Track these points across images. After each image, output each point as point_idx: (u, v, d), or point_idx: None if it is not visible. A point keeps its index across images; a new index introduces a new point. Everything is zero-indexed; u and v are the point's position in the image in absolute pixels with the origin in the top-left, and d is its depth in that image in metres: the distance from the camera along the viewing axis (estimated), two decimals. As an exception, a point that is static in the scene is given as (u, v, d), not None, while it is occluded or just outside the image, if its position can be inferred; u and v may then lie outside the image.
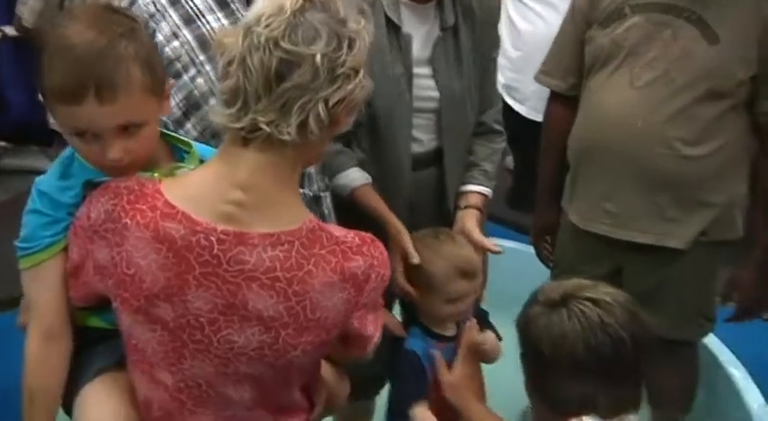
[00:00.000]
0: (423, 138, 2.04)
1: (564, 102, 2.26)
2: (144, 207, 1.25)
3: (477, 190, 2.11)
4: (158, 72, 1.30)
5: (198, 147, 1.44)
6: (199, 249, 1.24)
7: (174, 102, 1.68)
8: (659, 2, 2.00)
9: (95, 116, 1.24)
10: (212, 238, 1.24)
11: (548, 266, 2.49)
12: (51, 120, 3.64)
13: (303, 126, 1.21)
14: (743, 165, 2.10)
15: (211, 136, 1.66)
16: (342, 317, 1.31)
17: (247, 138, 1.23)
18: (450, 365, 1.89)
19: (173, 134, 1.47)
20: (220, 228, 1.24)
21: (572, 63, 2.20)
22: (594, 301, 1.39)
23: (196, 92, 1.72)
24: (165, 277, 1.25)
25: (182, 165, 1.40)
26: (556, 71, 2.27)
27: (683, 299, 2.17)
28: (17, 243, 1.35)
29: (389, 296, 1.93)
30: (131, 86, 1.24)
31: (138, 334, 1.30)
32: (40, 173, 1.39)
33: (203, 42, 1.72)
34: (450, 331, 1.94)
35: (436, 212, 2.12)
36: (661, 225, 2.07)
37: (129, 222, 1.25)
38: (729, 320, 2.26)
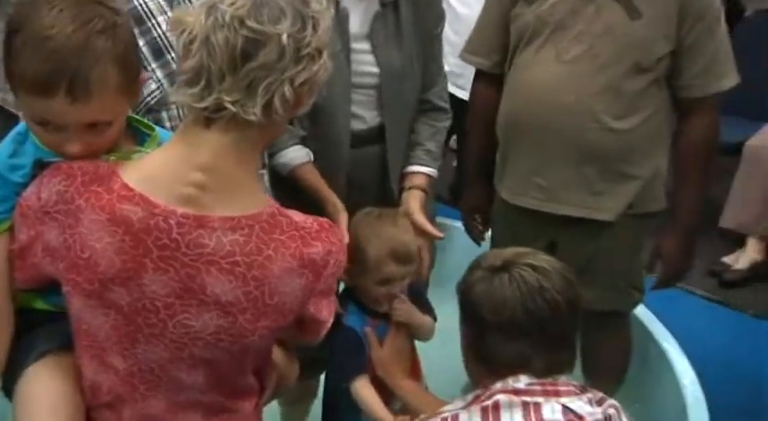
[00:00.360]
0: (364, 114, 2.04)
1: (489, 80, 2.30)
2: (99, 189, 1.22)
3: (421, 171, 2.12)
4: (133, 71, 1.27)
5: (161, 132, 1.41)
6: (157, 232, 1.22)
7: None
8: None
9: (64, 113, 1.21)
10: (171, 221, 1.21)
11: (478, 244, 2.54)
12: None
13: (268, 106, 1.20)
14: (665, 138, 2.17)
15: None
16: (299, 302, 1.31)
17: (210, 118, 1.21)
18: (381, 342, 1.92)
19: (136, 117, 1.43)
20: (180, 210, 1.22)
21: (496, 41, 2.22)
22: (534, 267, 1.44)
23: (150, 99, 1.71)
24: (120, 260, 1.22)
25: (140, 149, 1.36)
26: (480, 49, 2.29)
27: (614, 270, 2.24)
28: None
29: None
30: (105, 87, 1.21)
31: (90, 318, 1.28)
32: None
33: (156, 49, 1.71)
34: (384, 308, 1.95)
35: (378, 191, 2.12)
36: (590, 198, 2.13)
37: (83, 204, 1.22)
38: (654, 288, 2.33)
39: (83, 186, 1.23)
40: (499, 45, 2.22)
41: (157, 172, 1.24)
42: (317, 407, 2.32)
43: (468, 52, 2.34)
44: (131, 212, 1.21)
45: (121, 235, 1.21)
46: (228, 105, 1.19)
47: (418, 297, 2.04)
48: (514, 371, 1.40)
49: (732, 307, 3.50)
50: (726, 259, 3.72)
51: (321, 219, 1.35)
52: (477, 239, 2.55)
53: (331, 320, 1.42)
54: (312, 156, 1.98)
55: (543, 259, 1.48)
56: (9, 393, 1.38)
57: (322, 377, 2.21)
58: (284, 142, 1.96)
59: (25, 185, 1.30)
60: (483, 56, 2.29)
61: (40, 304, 1.39)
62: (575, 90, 2.05)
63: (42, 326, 1.38)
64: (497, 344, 1.41)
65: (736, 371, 3.01)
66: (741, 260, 3.67)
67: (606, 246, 2.19)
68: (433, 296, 2.14)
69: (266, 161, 1.95)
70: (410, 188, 2.10)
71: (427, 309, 2.05)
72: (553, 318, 1.41)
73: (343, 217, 1.90)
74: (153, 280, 1.23)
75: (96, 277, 1.23)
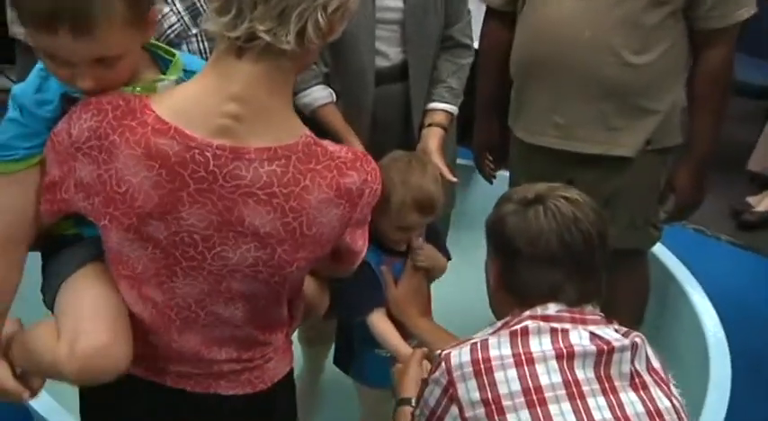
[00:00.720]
0: (388, 51, 2.03)
1: (500, 18, 2.27)
2: (133, 123, 1.20)
3: (442, 108, 2.10)
4: (141, 4, 1.22)
5: (182, 57, 1.38)
6: (194, 165, 1.20)
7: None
8: None
9: (68, 48, 1.18)
10: (207, 154, 1.20)
11: (489, 182, 2.55)
12: (13, 31, 3.50)
13: (301, 34, 1.17)
14: (682, 71, 2.14)
15: None
16: (336, 233, 1.30)
17: (243, 48, 1.18)
18: (397, 281, 1.93)
19: (157, 43, 1.40)
20: (216, 142, 1.20)
21: None
22: (567, 199, 1.44)
23: (170, 32, 1.72)
24: (158, 195, 1.21)
25: (163, 77, 1.33)
26: None
27: (633, 207, 2.23)
28: None
29: None
30: (110, 21, 1.17)
31: (128, 251, 1.27)
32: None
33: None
34: (401, 247, 1.96)
35: (401, 130, 2.11)
36: (608, 134, 2.12)
37: (117, 139, 1.20)
38: (666, 221, 2.32)
39: (115, 121, 1.22)
40: None
41: (190, 104, 1.23)
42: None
43: None
44: (167, 146, 1.20)
45: (158, 169, 1.21)
46: (262, 34, 1.16)
47: (435, 238, 2.04)
48: (545, 300, 1.40)
49: (753, 250, 3.48)
50: (750, 199, 3.68)
51: (355, 148, 1.33)
52: (489, 178, 2.55)
53: (365, 250, 1.42)
54: (335, 97, 1.96)
55: (575, 191, 1.48)
56: (51, 306, 1.37)
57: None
58: (307, 81, 1.95)
59: (55, 120, 1.28)
60: None
61: (70, 228, 1.39)
62: (591, 25, 2.02)
63: (77, 243, 1.38)
64: (530, 275, 1.41)
65: (755, 313, 3.01)
66: (763, 203, 3.62)
67: (624, 184, 2.18)
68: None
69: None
70: (429, 125, 2.08)
71: (444, 250, 2.05)
72: (586, 249, 1.41)
73: None
74: (191, 213, 1.23)
75: (134, 211, 1.23)
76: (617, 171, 2.15)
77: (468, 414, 1.29)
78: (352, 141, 1.94)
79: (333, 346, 2.38)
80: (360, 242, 1.39)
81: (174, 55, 1.37)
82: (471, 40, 2.19)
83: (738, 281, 3.18)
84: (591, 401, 1.29)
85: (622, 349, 1.33)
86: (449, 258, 2.06)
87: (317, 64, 1.98)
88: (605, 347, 1.32)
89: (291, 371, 1.51)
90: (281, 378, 1.46)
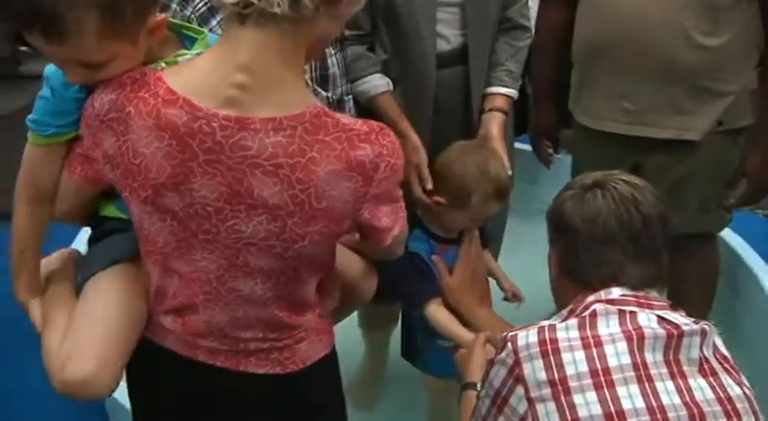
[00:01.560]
0: (448, 34, 2.01)
1: (560, 0, 2.23)
2: (146, 95, 1.23)
3: (501, 92, 2.08)
4: (127, 14, 1.21)
5: (211, 37, 1.39)
6: (201, 136, 1.21)
7: None
8: None
9: (45, 50, 1.22)
10: (214, 124, 1.21)
11: (547, 166, 2.52)
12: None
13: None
14: (753, 53, 2.09)
15: None
16: (351, 207, 1.28)
17: (243, 14, 1.19)
18: (451, 269, 1.92)
19: (183, 23, 1.44)
20: (222, 113, 1.21)
21: None
22: (627, 182, 1.44)
23: (201, 4, 1.72)
24: (170, 165, 1.23)
25: (185, 52, 1.36)
26: None
27: (704, 191, 2.18)
28: (27, 118, 1.36)
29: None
30: (82, 32, 1.18)
31: (148, 224, 1.30)
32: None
33: None
34: (453, 234, 1.95)
35: (462, 114, 2.10)
36: (678, 118, 2.08)
37: (132, 111, 1.23)
38: (736, 205, 2.27)
39: (131, 93, 1.25)
40: None
41: (201, 75, 1.24)
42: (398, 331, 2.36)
43: None
44: (176, 116, 1.22)
45: (168, 139, 1.23)
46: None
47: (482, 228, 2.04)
48: (606, 284, 1.39)
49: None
50: None
51: (372, 121, 1.31)
52: (547, 162, 2.52)
53: (397, 228, 1.38)
54: (392, 86, 1.96)
55: (634, 177, 1.48)
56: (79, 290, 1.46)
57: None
58: (365, 69, 1.95)
59: (83, 100, 1.32)
60: None
61: (113, 211, 1.44)
62: (662, 6, 1.98)
63: (117, 234, 1.43)
64: (590, 257, 1.40)
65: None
66: None
67: (695, 167, 2.13)
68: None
69: (348, 87, 1.93)
70: (490, 110, 2.06)
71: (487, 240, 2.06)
72: (645, 231, 1.39)
73: (423, 156, 1.90)
74: (202, 184, 1.24)
75: (149, 183, 1.25)
76: (687, 154, 2.11)
77: (533, 394, 1.27)
78: (408, 131, 1.93)
79: (392, 331, 2.41)
80: (385, 219, 1.34)
81: (201, 32, 1.40)
82: (529, 20, 2.17)
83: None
84: (659, 385, 1.27)
85: (692, 333, 1.31)
86: (486, 245, 2.08)
87: (374, 51, 1.98)
88: (674, 331, 1.30)
89: (332, 354, 1.48)
90: (317, 360, 1.44)
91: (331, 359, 1.48)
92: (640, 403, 1.25)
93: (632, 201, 1.40)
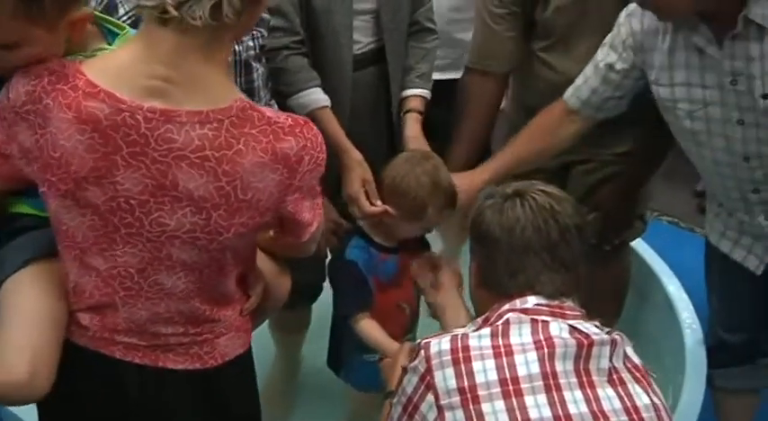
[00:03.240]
0: (362, 40, 2.04)
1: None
2: (65, 87, 1.21)
3: (416, 93, 2.12)
4: (45, 2, 1.21)
5: (132, 32, 1.38)
6: (125, 128, 1.20)
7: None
8: None
9: None
10: (138, 117, 1.20)
11: None
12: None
13: (217, 8, 1.17)
14: None
15: None
16: (275, 199, 1.29)
17: (163, 18, 1.19)
18: (396, 277, 1.91)
19: (106, 17, 1.42)
20: (146, 105, 1.20)
21: None
22: (546, 193, 1.45)
23: None
24: (92, 159, 1.21)
25: (105, 47, 1.35)
26: None
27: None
28: None
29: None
30: None
31: (68, 219, 1.27)
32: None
33: None
34: (391, 242, 1.94)
35: (380, 113, 2.13)
36: None
37: (50, 103, 1.21)
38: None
39: (49, 85, 1.22)
40: None
41: (120, 68, 1.23)
42: (313, 336, 2.33)
43: None
44: (98, 109, 1.20)
45: (90, 133, 1.20)
46: (170, 9, 1.16)
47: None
48: (523, 293, 1.40)
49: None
50: None
51: (296, 115, 1.33)
52: None
53: (315, 224, 1.40)
54: (329, 102, 1.96)
55: (554, 188, 1.49)
56: None
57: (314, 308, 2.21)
58: (303, 82, 1.94)
59: None
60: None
61: (25, 208, 1.40)
62: None
63: (27, 232, 1.39)
64: (507, 266, 1.41)
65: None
66: None
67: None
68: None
69: (269, 101, 1.90)
70: (407, 111, 2.10)
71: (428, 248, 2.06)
72: (563, 241, 1.41)
73: (367, 170, 1.91)
74: (126, 177, 1.23)
75: (70, 177, 1.23)
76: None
77: (443, 401, 1.27)
78: (348, 145, 1.93)
79: (305, 334, 2.40)
80: (306, 214, 1.37)
81: (124, 28, 1.39)
82: (434, 23, 2.21)
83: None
84: (567, 394, 1.27)
85: (602, 343, 1.32)
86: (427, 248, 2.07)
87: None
88: (585, 341, 1.31)
89: (248, 354, 1.49)
90: (235, 357, 1.44)
91: (248, 357, 1.48)
92: (547, 412, 1.25)
93: (550, 210, 1.42)
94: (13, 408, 1.63)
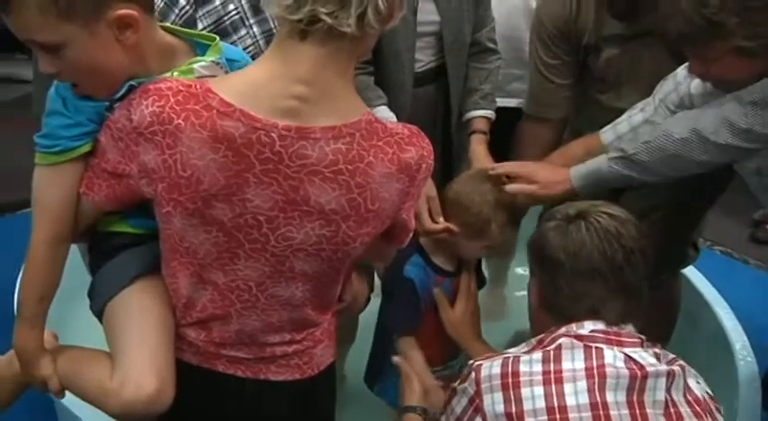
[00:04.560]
0: (423, 59, 2.07)
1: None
2: (197, 107, 1.21)
3: (480, 114, 2.14)
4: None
5: (225, 46, 1.39)
6: (259, 146, 1.22)
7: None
8: None
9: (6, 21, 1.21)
10: (273, 135, 1.22)
11: None
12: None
13: (362, 18, 1.19)
14: None
15: None
16: (396, 207, 1.32)
17: (305, 30, 1.20)
18: (449, 301, 1.90)
19: (189, 31, 1.42)
20: (281, 123, 1.22)
21: None
22: (610, 215, 1.44)
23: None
24: (224, 177, 1.22)
25: (199, 58, 1.34)
26: None
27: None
28: (36, 136, 1.30)
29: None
30: (24, 4, 1.18)
31: (192, 237, 1.28)
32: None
33: (255, 5, 1.73)
34: (450, 266, 1.94)
35: (433, 131, 2.12)
36: None
37: (182, 123, 1.21)
38: None
39: (178, 105, 1.22)
40: None
41: (256, 87, 1.23)
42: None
43: None
44: (233, 128, 1.21)
45: (224, 151, 1.21)
46: (324, 17, 1.18)
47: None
48: (584, 318, 1.39)
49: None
50: None
51: (410, 125, 1.35)
52: None
53: (412, 232, 1.42)
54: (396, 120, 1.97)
55: (617, 208, 1.48)
56: (99, 316, 1.40)
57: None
58: (370, 100, 1.96)
59: (97, 112, 1.29)
60: None
61: (125, 227, 1.40)
62: None
63: (128, 249, 1.39)
64: (571, 290, 1.41)
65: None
66: None
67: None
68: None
69: None
70: (472, 133, 2.11)
71: (480, 273, 2.06)
72: (628, 265, 1.40)
73: (431, 186, 1.88)
74: (256, 194, 1.24)
75: (199, 195, 1.24)
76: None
77: None
78: None
79: (348, 351, 2.38)
80: (412, 219, 1.40)
81: (214, 39, 1.38)
82: (496, 44, 2.22)
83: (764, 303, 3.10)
84: None
85: (657, 375, 1.30)
86: (484, 283, 2.09)
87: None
88: (638, 372, 1.29)
89: (334, 364, 1.50)
90: (326, 367, 1.46)
91: (334, 367, 1.50)
92: None
93: (615, 234, 1.41)
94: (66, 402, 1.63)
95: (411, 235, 1.43)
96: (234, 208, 1.25)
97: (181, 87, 1.23)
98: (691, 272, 2.67)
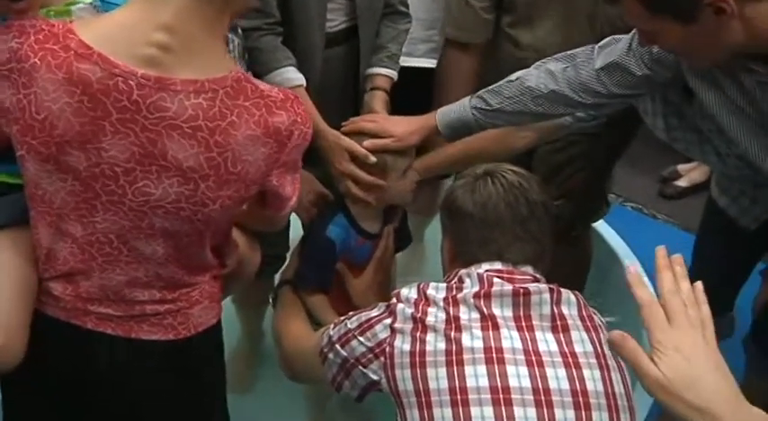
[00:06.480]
0: (335, 19, 2.04)
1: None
2: (55, 47, 1.17)
3: (383, 72, 2.12)
4: None
5: None
6: (117, 93, 1.17)
7: None
8: None
9: None
10: (131, 82, 1.17)
11: None
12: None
13: None
14: None
15: None
16: (262, 172, 1.28)
17: None
18: (365, 263, 1.92)
19: None
20: (140, 71, 1.17)
21: None
22: (515, 172, 1.54)
23: None
24: (78, 123, 1.18)
25: (77, 0, 1.30)
26: None
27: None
28: None
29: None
30: None
31: (46, 184, 1.24)
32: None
33: None
34: (374, 229, 1.94)
35: (342, 92, 2.13)
36: None
37: (38, 63, 1.16)
38: None
39: (37, 44, 1.17)
40: None
41: (117, 31, 1.19)
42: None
43: None
44: (90, 72, 1.16)
45: (79, 95, 1.17)
46: None
47: (403, 221, 2.06)
48: (490, 261, 1.47)
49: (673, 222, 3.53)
50: (680, 167, 3.72)
51: (287, 90, 1.32)
52: None
53: (294, 198, 1.40)
54: (305, 81, 1.95)
55: (521, 168, 1.58)
56: None
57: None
58: (280, 61, 1.93)
59: None
60: None
61: None
62: None
63: None
64: (480, 237, 1.48)
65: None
66: (690, 175, 3.67)
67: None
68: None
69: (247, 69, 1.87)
70: (372, 89, 2.10)
71: (407, 233, 2.10)
72: (532, 215, 1.49)
73: (344, 143, 1.90)
74: (112, 144, 1.20)
75: (53, 140, 1.19)
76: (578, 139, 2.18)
77: (396, 325, 1.39)
78: (323, 126, 1.91)
79: (266, 308, 2.37)
80: (288, 188, 1.37)
81: None
82: (407, 7, 2.22)
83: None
84: (504, 332, 1.35)
85: (540, 291, 1.39)
86: (409, 242, 2.11)
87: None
88: (521, 289, 1.38)
89: (218, 325, 1.48)
90: (207, 328, 1.43)
91: (219, 328, 1.48)
92: (479, 345, 1.34)
93: (519, 187, 1.50)
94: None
95: (289, 205, 1.40)
96: (89, 156, 1.21)
97: (44, 26, 1.19)
98: (602, 226, 2.74)
